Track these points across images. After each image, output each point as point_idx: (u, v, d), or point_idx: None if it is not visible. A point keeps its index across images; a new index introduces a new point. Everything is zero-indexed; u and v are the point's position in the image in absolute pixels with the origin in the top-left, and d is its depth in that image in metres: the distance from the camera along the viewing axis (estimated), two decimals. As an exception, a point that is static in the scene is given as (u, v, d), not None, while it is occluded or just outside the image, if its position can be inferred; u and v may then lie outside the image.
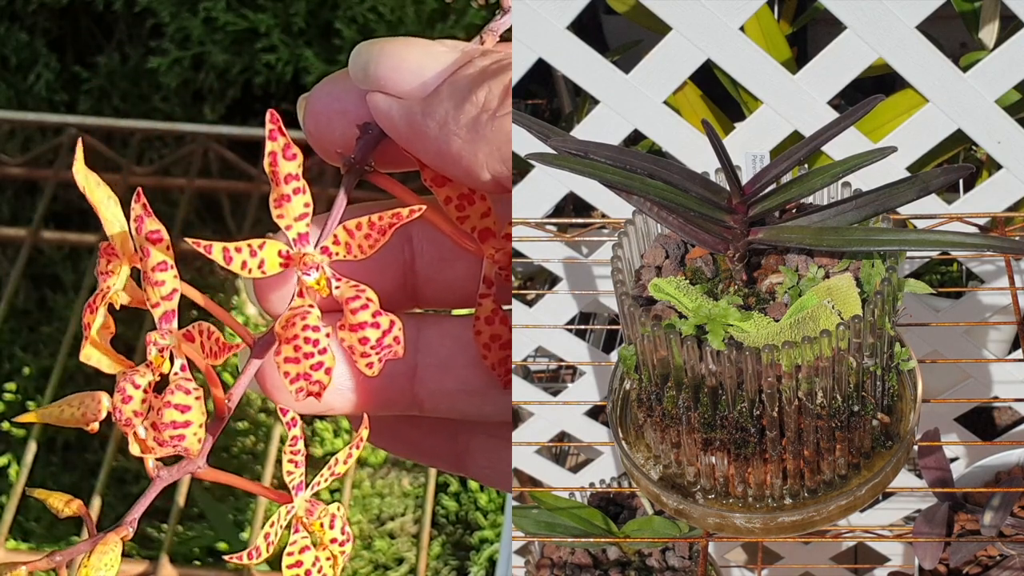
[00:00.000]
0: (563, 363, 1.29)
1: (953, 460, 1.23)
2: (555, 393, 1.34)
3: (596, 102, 0.99)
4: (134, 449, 0.48)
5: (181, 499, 1.52)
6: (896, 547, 1.31)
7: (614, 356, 1.01)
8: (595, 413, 1.25)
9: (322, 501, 0.51)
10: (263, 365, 0.49)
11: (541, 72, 1.30)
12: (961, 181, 1.18)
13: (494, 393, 0.51)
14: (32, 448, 1.56)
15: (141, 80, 1.95)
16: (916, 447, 1.03)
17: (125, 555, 0.50)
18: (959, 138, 1.02)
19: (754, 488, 0.72)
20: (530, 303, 1.18)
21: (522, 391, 1.21)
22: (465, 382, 0.51)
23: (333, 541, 0.51)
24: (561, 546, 1.00)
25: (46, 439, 1.72)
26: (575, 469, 1.39)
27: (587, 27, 1.41)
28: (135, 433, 0.48)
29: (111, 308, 0.50)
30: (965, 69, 0.97)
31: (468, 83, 0.46)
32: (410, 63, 0.47)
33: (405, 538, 1.66)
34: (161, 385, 0.49)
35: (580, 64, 0.97)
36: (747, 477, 0.72)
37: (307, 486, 0.51)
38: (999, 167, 1.03)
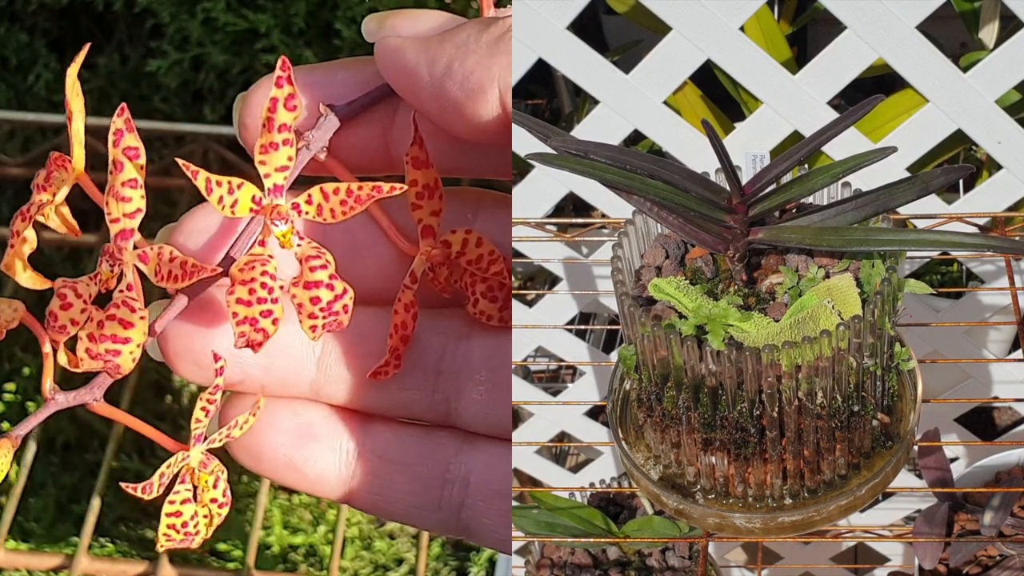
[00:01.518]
0: (563, 363, 1.29)
1: (953, 460, 1.23)
2: (555, 393, 1.34)
3: (596, 102, 0.99)
4: (61, 359, 0.48)
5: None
6: (896, 547, 1.31)
7: (614, 356, 1.01)
8: (595, 413, 1.25)
9: (217, 458, 0.52)
10: (166, 330, 0.50)
11: (541, 72, 1.30)
12: (961, 181, 1.18)
13: (391, 388, 0.52)
14: (32, 448, 1.56)
15: (141, 81, 1.95)
16: (916, 447, 1.03)
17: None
18: (959, 138, 1.02)
19: (754, 488, 0.72)
20: (530, 303, 1.18)
21: (522, 391, 1.21)
22: (363, 372, 0.52)
23: (213, 501, 0.52)
24: (561, 546, 1.00)
25: (46, 439, 1.72)
26: (575, 469, 1.39)
27: (587, 27, 1.41)
28: (64, 344, 0.48)
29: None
30: (965, 69, 0.97)
31: (491, 18, 0.48)
32: (427, 17, 0.49)
33: (405, 538, 1.66)
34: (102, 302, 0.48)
35: (580, 64, 0.97)
36: (747, 477, 0.72)
37: (206, 439, 0.51)
38: (999, 167, 1.03)
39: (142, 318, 0.48)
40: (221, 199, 0.48)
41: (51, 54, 1.94)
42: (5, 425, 1.72)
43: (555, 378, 1.52)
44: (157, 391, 1.71)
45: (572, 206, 1.28)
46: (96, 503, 1.47)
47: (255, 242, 0.49)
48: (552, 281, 1.22)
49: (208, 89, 1.94)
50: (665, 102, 0.99)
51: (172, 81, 1.89)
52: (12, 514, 1.49)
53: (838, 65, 0.96)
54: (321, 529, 1.63)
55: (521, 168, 1.04)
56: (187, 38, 1.88)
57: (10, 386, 1.77)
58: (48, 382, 0.49)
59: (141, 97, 1.96)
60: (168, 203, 1.81)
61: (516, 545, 1.03)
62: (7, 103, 1.93)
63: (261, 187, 0.49)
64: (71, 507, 1.65)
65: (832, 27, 0.96)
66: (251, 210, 0.48)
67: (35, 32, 1.96)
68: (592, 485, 1.03)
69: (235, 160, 1.81)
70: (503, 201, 0.54)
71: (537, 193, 1.05)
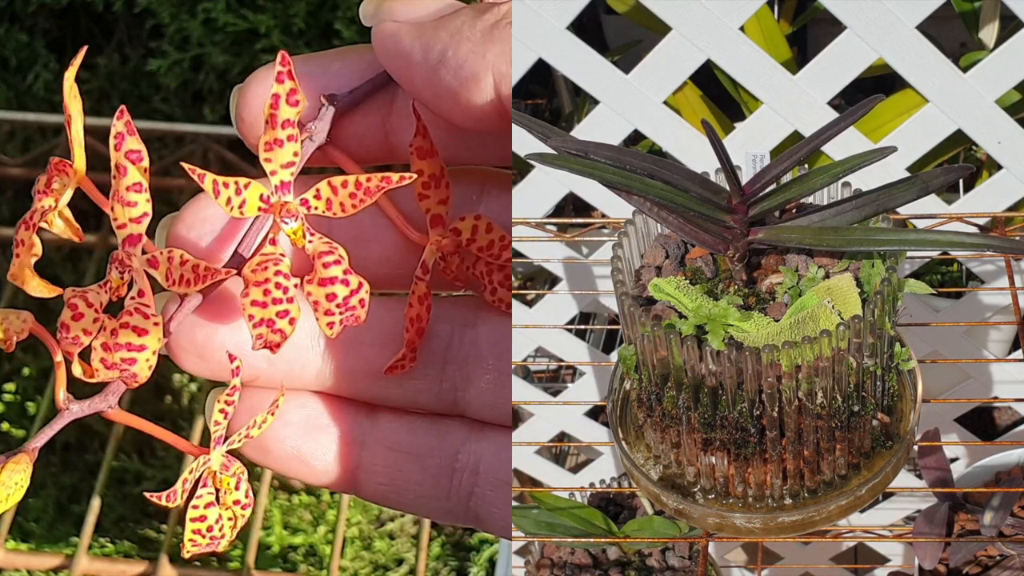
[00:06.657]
0: (563, 363, 1.29)
1: (953, 460, 1.23)
2: (555, 393, 1.34)
3: (596, 102, 0.99)
4: (76, 370, 0.47)
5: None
6: (896, 547, 1.31)
7: (614, 356, 1.01)
8: (595, 413, 1.25)
9: (238, 459, 0.51)
10: (172, 327, 0.49)
11: (541, 72, 1.30)
12: (961, 181, 1.18)
13: (398, 378, 0.52)
14: (32, 448, 1.56)
15: (141, 81, 1.95)
16: (916, 447, 1.03)
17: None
18: (959, 138, 1.02)
19: (754, 488, 0.72)
20: (530, 303, 1.18)
21: (522, 391, 1.21)
22: (368, 362, 0.51)
23: (236, 503, 0.51)
24: (561, 546, 1.00)
25: (46, 439, 1.72)
26: (575, 469, 1.39)
27: (587, 27, 1.41)
28: (79, 355, 0.47)
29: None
30: (965, 69, 0.97)
31: (487, 3, 0.47)
32: (425, 1, 0.48)
33: (405, 538, 1.66)
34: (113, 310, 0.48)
35: (580, 64, 0.97)
36: (747, 477, 0.71)
37: (225, 441, 0.50)
38: (999, 167, 1.03)
39: (156, 324, 0.47)
40: (229, 200, 0.47)
41: (51, 54, 1.94)
42: (5, 425, 1.72)
43: (555, 378, 1.52)
44: (157, 391, 1.71)
45: (572, 206, 1.28)
46: (96, 503, 1.47)
47: (266, 240, 0.48)
48: (552, 281, 1.22)
49: (208, 89, 1.94)
50: (665, 102, 0.99)
51: (172, 81, 1.89)
52: (12, 514, 1.49)
53: (838, 65, 0.96)
54: (321, 529, 1.63)
55: (521, 168, 1.04)
56: (187, 38, 1.88)
57: (10, 386, 1.77)
58: (61, 392, 0.48)
59: (141, 97, 1.96)
60: (168, 203, 1.81)
61: (516, 545, 1.03)
62: (7, 103, 1.93)
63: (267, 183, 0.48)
64: (71, 507, 1.65)
65: (832, 27, 0.96)
66: (260, 209, 0.48)
67: (35, 32, 1.96)
68: (592, 485, 1.03)
69: (235, 160, 1.81)
70: (507, 181, 0.53)
71: (537, 193, 1.05)
